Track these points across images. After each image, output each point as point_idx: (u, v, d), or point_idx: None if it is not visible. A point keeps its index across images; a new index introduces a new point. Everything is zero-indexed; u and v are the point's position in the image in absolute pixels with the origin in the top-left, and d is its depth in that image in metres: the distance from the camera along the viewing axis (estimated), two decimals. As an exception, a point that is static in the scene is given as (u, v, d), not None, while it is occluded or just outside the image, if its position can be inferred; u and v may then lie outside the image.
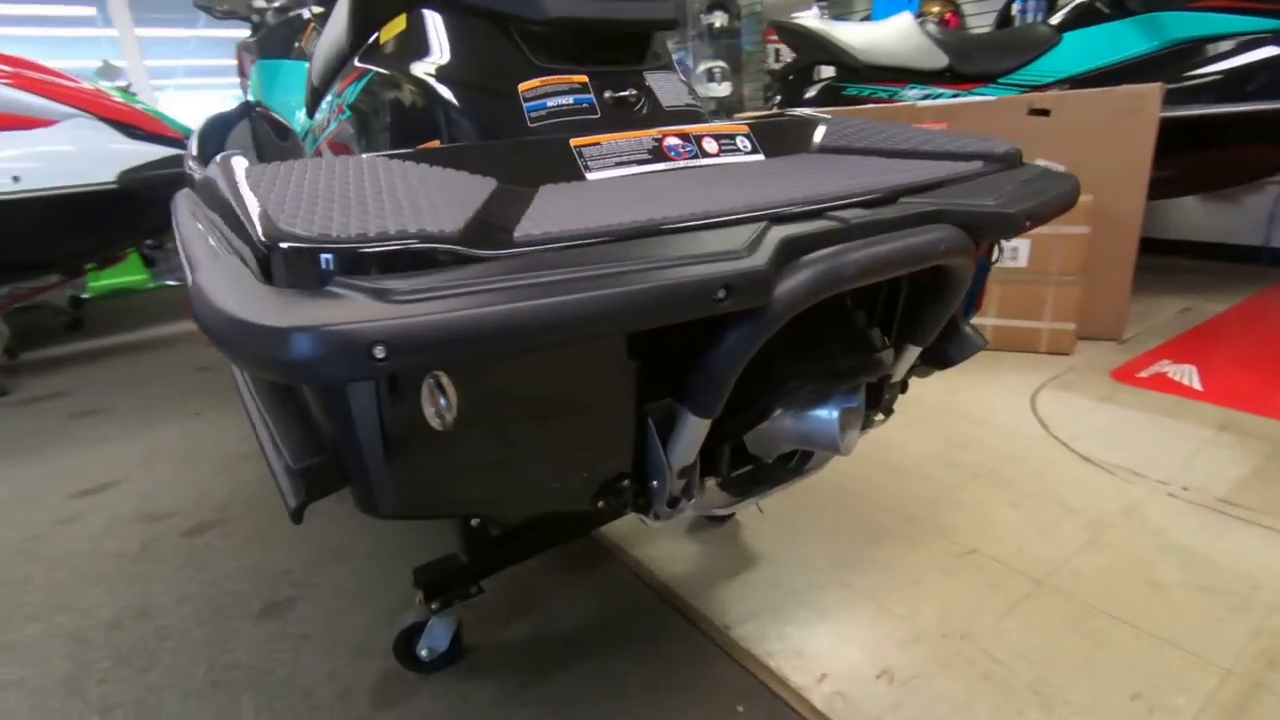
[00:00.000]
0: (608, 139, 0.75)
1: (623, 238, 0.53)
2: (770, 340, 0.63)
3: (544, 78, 0.80)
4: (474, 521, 0.98)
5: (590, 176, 0.72)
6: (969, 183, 0.75)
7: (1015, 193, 0.71)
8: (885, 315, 0.81)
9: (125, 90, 3.67)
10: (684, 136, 0.79)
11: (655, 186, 0.67)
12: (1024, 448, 1.61)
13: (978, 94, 2.48)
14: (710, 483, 0.75)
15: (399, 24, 0.88)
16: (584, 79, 0.82)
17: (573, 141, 0.73)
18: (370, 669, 1.09)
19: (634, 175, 0.73)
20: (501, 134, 0.78)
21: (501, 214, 0.55)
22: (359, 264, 0.45)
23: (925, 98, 2.57)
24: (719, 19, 4.14)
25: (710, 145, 0.81)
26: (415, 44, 0.86)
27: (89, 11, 6.66)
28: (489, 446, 0.58)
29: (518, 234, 0.51)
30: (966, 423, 1.76)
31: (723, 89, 4.14)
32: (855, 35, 2.69)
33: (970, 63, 2.54)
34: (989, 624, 1.08)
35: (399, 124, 0.86)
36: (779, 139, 0.89)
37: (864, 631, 1.09)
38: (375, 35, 0.92)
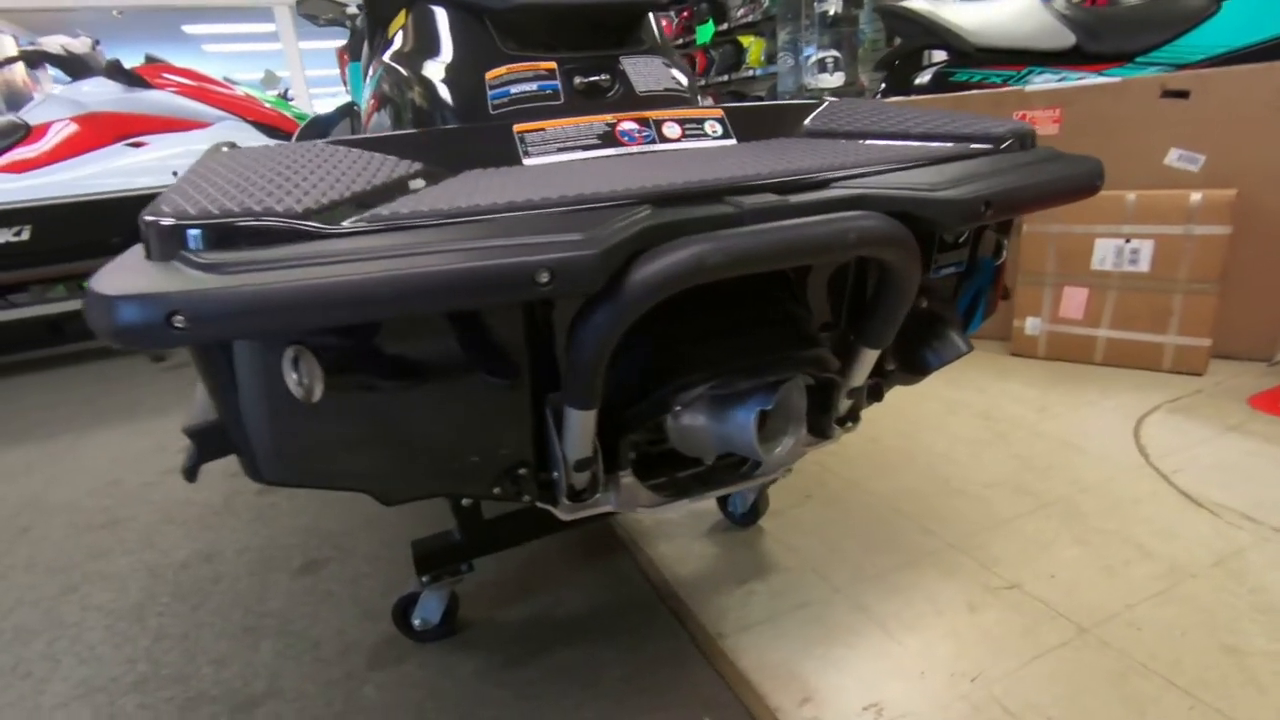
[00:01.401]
0: (554, 124, 0.74)
1: (481, 218, 0.52)
2: (675, 329, 0.60)
3: (510, 65, 0.80)
4: (465, 501, 1.01)
5: (527, 162, 0.71)
6: (925, 167, 0.66)
7: (977, 176, 0.62)
8: (854, 314, 0.74)
9: (282, 97, 4.12)
10: (641, 122, 0.76)
11: (579, 172, 0.65)
12: (1112, 477, 1.41)
13: (1108, 75, 2.20)
14: (630, 479, 0.72)
15: (400, 19, 0.92)
16: (552, 65, 0.81)
17: (517, 127, 0.73)
18: (375, 631, 1.15)
19: (572, 161, 0.72)
20: (468, 121, 0.80)
21: (381, 195, 0.56)
22: (213, 239, 0.48)
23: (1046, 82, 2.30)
24: (833, 5, 3.95)
25: (671, 130, 0.77)
26: (409, 38, 0.89)
27: (270, 28, 7.55)
28: (364, 422, 0.59)
29: (375, 214, 0.52)
30: (1050, 444, 1.57)
31: (835, 79, 3.95)
32: (967, 16, 2.46)
33: (1102, 41, 2.25)
34: (1008, 669, 0.96)
35: (397, 112, 0.90)
36: (757, 124, 0.83)
37: (865, 659, 1.00)
38: (385, 31, 0.97)
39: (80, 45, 2.90)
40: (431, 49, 0.86)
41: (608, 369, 0.57)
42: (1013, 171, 0.65)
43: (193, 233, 0.47)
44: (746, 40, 4.69)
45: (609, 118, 0.76)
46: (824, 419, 0.77)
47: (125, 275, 0.43)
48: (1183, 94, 1.83)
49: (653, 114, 0.78)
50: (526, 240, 0.46)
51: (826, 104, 0.90)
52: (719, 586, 1.19)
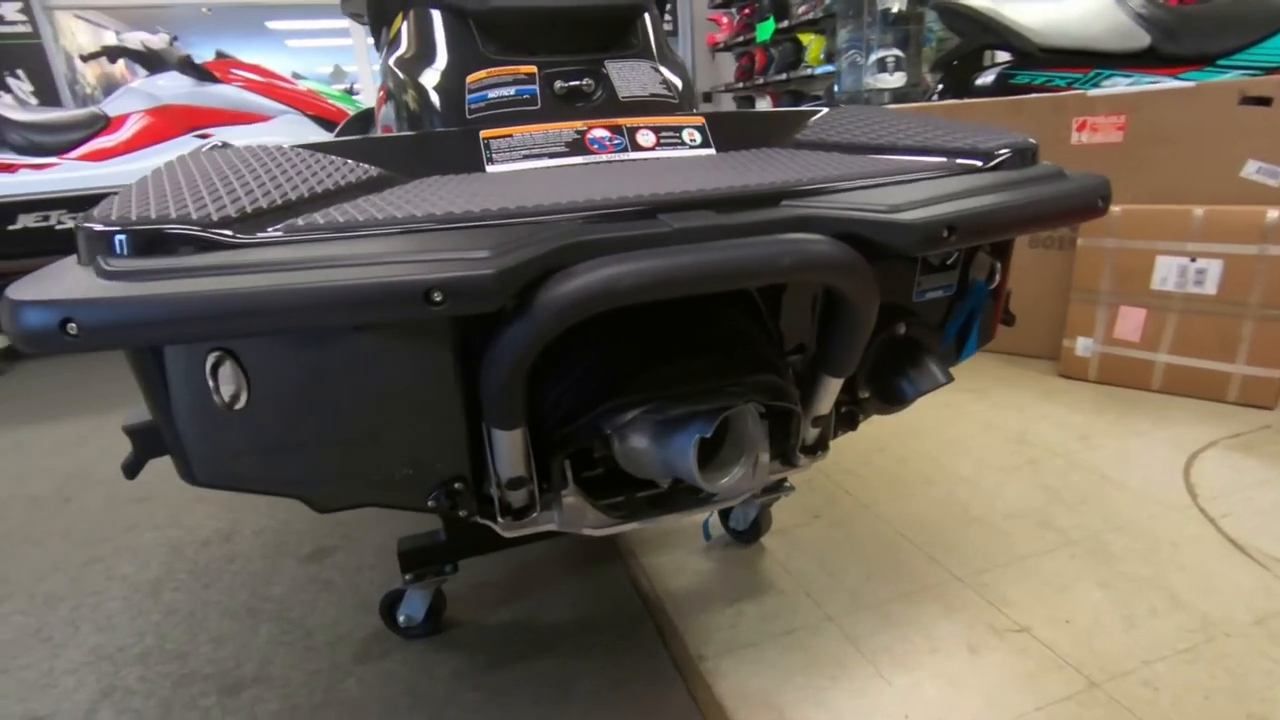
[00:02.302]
0: (521, 131, 0.72)
1: (397, 231, 0.51)
2: (618, 348, 0.58)
3: (490, 69, 0.79)
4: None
5: (491, 169, 0.70)
6: (893, 185, 0.61)
7: (944, 197, 0.57)
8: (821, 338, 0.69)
9: (348, 92, 4.26)
10: (614, 129, 0.74)
11: (532, 182, 0.63)
12: (1151, 517, 1.31)
13: (1184, 80, 2.03)
14: (573, 499, 0.69)
15: (399, 21, 0.93)
16: (532, 70, 0.79)
17: (484, 133, 0.72)
18: (366, 624, 1.17)
19: (533, 169, 0.70)
20: (450, 124, 0.79)
21: (316, 203, 0.56)
22: (132, 245, 0.48)
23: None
24: (897, 2, 3.80)
25: (645, 139, 0.74)
26: (405, 40, 0.89)
27: (344, 24, 7.83)
28: (290, 430, 0.59)
29: (292, 224, 0.51)
30: (1086, 476, 1.46)
31: (896, 79, 3.80)
32: (1032, 14, 2.32)
33: (1180, 41, 2.08)
34: (1000, 720, 0.90)
35: (396, 113, 0.91)
36: (742, 133, 0.79)
37: (846, 695, 0.96)
38: (389, 31, 0.98)
39: (158, 41, 3.07)
40: (423, 51, 0.86)
41: (547, 386, 0.56)
42: (991, 191, 0.59)
43: (117, 238, 0.48)
44: (806, 38, 4.57)
45: (579, 124, 0.74)
46: (788, 447, 0.73)
47: (43, 279, 0.44)
48: (1265, 101, 1.67)
49: (627, 121, 0.75)
50: (425, 257, 0.45)
51: (825, 113, 0.86)
52: (708, 604, 1.16)
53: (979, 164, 0.68)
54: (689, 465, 0.62)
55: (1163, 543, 1.23)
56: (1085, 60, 2.25)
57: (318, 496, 0.66)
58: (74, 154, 2.92)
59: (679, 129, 0.77)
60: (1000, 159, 0.69)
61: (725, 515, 1.32)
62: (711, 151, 0.77)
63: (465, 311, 0.44)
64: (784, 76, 4.87)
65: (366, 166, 0.66)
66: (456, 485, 0.67)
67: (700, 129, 0.78)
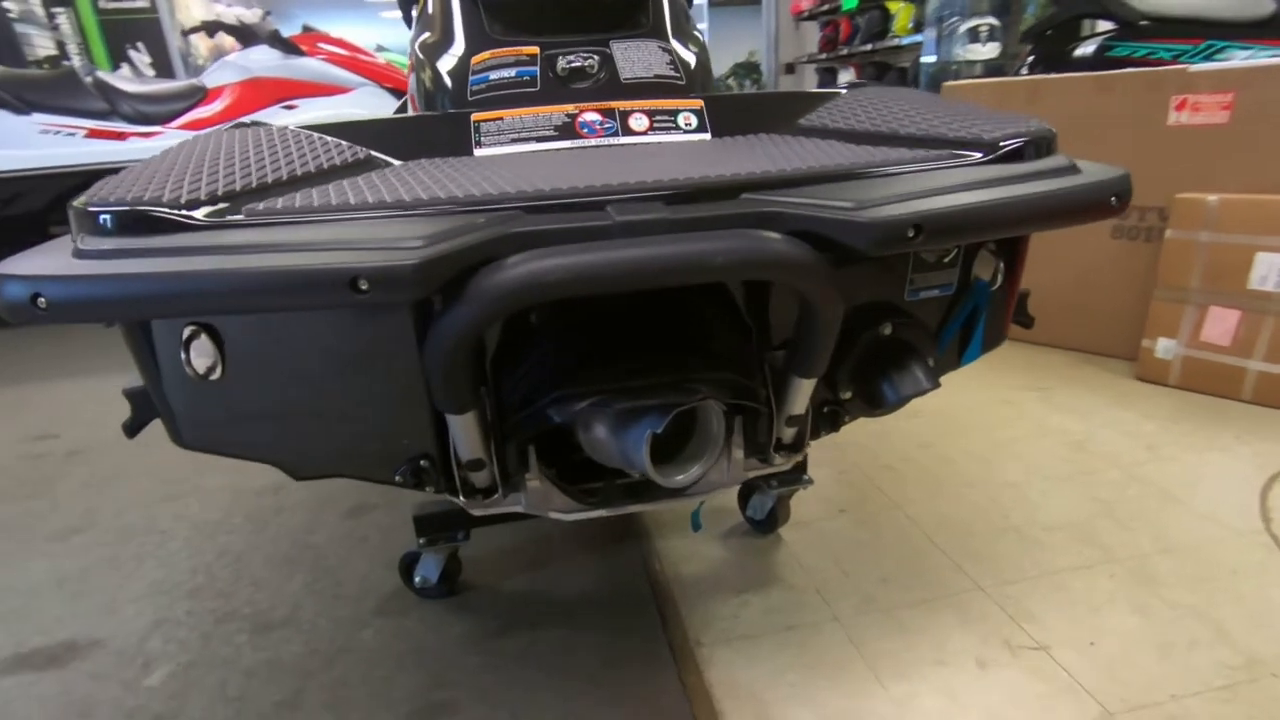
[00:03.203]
0: (512, 114, 0.72)
1: (348, 217, 0.52)
2: (578, 338, 0.58)
3: (494, 50, 0.79)
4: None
5: (478, 153, 0.70)
6: (865, 179, 0.57)
7: (916, 193, 0.53)
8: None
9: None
10: (605, 113, 0.73)
11: (511, 168, 0.63)
12: (1211, 541, 1.20)
13: (1313, 53, 1.80)
14: (538, 483, 0.70)
15: (424, 2, 0.94)
16: (534, 51, 0.79)
17: (475, 116, 0.72)
18: (390, 580, 1.24)
19: (522, 153, 0.70)
20: (457, 106, 0.80)
21: (287, 186, 0.58)
22: (113, 224, 0.52)
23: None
24: (994, -32, 3.52)
25: (638, 122, 0.73)
26: (425, 20, 0.91)
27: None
28: (263, 402, 0.62)
29: (252, 207, 0.53)
30: (1146, 490, 1.36)
31: (988, 50, 3.54)
32: (1138, -22, 2.11)
33: (1314, 9, 1.84)
34: (997, 741, 0.86)
35: (416, 92, 0.92)
36: (742, 117, 0.76)
37: (838, 698, 0.94)
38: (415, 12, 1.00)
39: (252, 16, 3.24)
40: (436, 32, 0.87)
41: (510, 371, 0.56)
42: (978, 187, 0.55)
43: (98, 217, 0.52)
44: (894, 5, 4.33)
45: (570, 108, 0.73)
46: (761, 445, 0.71)
47: (35, 254, 0.48)
48: (1406, 78, 1.46)
49: (620, 104, 0.74)
50: (356, 245, 0.46)
51: (839, 95, 0.81)
52: (715, 592, 1.15)
53: (979, 156, 0.63)
54: (642, 459, 0.61)
55: (1219, 569, 1.13)
56: (1197, 30, 2.03)
57: (292, 465, 0.70)
58: (176, 124, 3.14)
59: (674, 113, 0.75)
60: (1004, 150, 0.63)
61: (743, 504, 1.31)
62: (706, 137, 0.75)
63: (391, 301, 0.45)
64: (869, 47, 4.64)
65: (356, 150, 0.68)
66: (422, 462, 0.69)
67: (697, 113, 0.75)
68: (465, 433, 0.62)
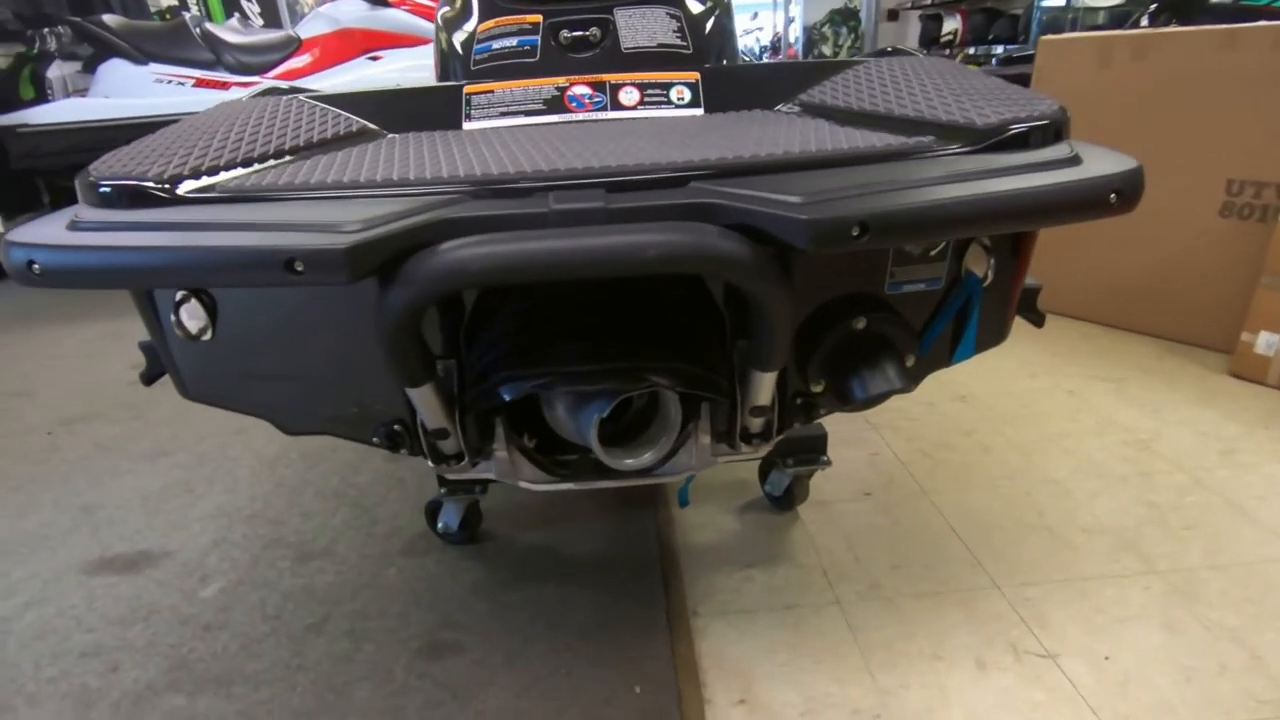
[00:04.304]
0: (502, 87, 0.72)
1: (304, 196, 0.54)
2: (537, 319, 0.59)
3: (499, 18, 0.78)
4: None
5: (466, 126, 0.71)
6: (824, 170, 0.54)
7: (869, 188, 0.49)
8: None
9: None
10: (596, 86, 0.71)
11: (489, 144, 0.63)
12: (1270, 560, 1.10)
13: None
14: (504, 453, 0.72)
15: None
16: (536, 19, 0.78)
17: (467, 89, 0.72)
18: (419, 524, 1.32)
19: (507, 127, 0.70)
20: (460, 76, 0.81)
21: (270, 160, 0.60)
22: (111, 196, 0.56)
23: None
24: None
25: (629, 96, 0.71)
26: None
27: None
28: (248, 362, 0.66)
29: (223, 183, 0.56)
30: (1208, 499, 1.25)
31: (1113, -4, 3.17)
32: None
33: None
34: (978, 744, 0.84)
35: (435, 61, 0.94)
36: (738, 91, 0.73)
37: (823, 681, 0.94)
38: None
39: (343, -33, 3.32)
40: (457, 2, 0.87)
41: (473, 344, 0.58)
42: (939, 183, 0.50)
43: (101, 188, 0.57)
44: (1010, -56, 3.93)
45: (561, 81, 0.72)
46: (727, 434, 0.70)
47: (45, 222, 0.54)
48: None
49: (612, 77, 0.72)
50: (296, 227, 0.48)
51: (852, 67, 0.76)
52: (721, 564, 1.17)
53: (964, 144, 0.58)
54: (590, 440, 0.62)
55: (1273, 593, 1.03)
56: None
57: (282, 422, 0.75)
58: (272, 74, 3.30)
59: (668, 86, 0.72)
60: (998, 138, 0.58)
61: (763, 479, 1.30)
62: (697, 112, 0.72)
63: (326, 283, 0.48)
64: (979, -9, 4.26)
65: (352, 122, 0.70)
66: (396, 427, 0.73)
67: (691, 86, 0.72)
68: (424, 403, 0.65)
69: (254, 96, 0.79)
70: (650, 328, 0.64)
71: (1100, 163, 0.55)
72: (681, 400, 0.66)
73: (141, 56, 3.29)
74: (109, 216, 0.53)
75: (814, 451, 1.14)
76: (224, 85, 3.33)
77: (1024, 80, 2.13)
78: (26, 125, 3.22)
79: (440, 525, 1.23)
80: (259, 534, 1.32)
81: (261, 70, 3.33)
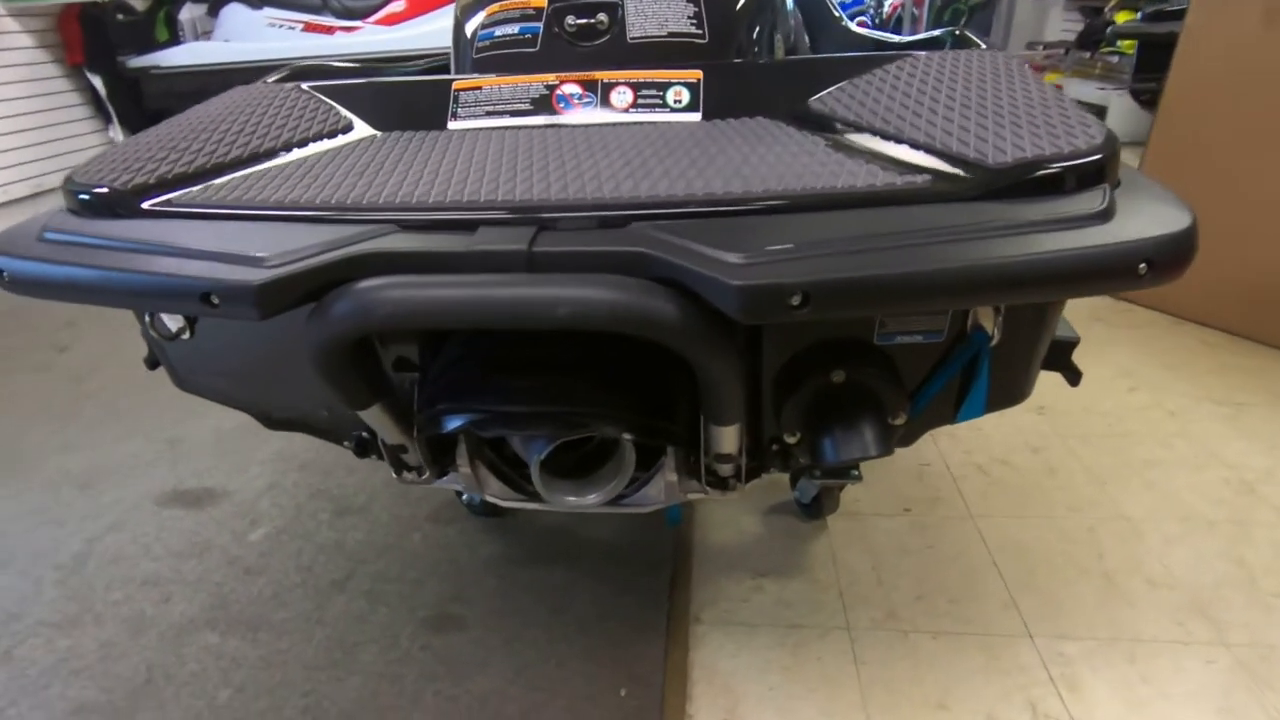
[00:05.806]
0: (490, 83, 0.67)
1: (252, 214, 0.53)
2: (488, 350, 0.57)
3: (503, 3, 0.73)
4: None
5: (451, 125, 0.67)
6: (780, 217, 0.46)
7: (826, 249, 0.41)
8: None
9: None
10: (586, 85, 0.65)
11: (460, 156, 0.59)
12: (1378, 648, 0.94)
13: None
14: (468, 470, 0.70)
15: None
16: (541, 4, 0.71)
17: (455, 85, 0.68)
18: (447, 492, 1.36)
19: (492, 129, 0.65)
20: (467, 64, 0.76)
21: (248, 164, 0.59)
22: (85, 204, 0.57)
23: None
24: None
25: (621, 98, 0.64)
26: None
27: None
28: (224, 361, 0.67)
29: (184, 194, 0.56)
30: (1268, 530, 1.08)
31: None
32: None
33: None
34: (965, 812, 0.78)
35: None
36: (743, 93, 0.64)
37: (812, 713, 0.90)
38: None
39: (442, -93, 3.29)
40: None
41: (426, 367, 0.57)
42: (920, 245, 0.42)
43: (80, 197, 0.58)
44: None
45: (551, 78, 0.66)
46: (693, 476, 0.65)
47: (28, 224, 0.56)
48: None
49: (605, 75, 0.65)
50: (217, 257, 0.47)
51: (879, 67, 0.65)
52: (733, 569, 1.13)
53: (968, 188, 0.48)
54: (535, 478, 0.59)
55: (1371, 689, 0.88)
56: None
57: (262, 418, 0.77)
58: (372, 19, 3.37)
59: (665, 87, 0.65)
60: (1010, 182, 0.47)
61: (792, 482, 1.24)
62: (694, 118, 0.65)
63: (240, 317, 0.47)
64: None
65: (339, 118, 0.68)
66: (365, 434, 0.73)
67: (691, 87, 0.64)
68: (376, 422, 0.64)
69: (263, 83, 0.79)
70: (604, 366, 0.60)
71: (1138, 219, 0.44)
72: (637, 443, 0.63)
73: (257, 0, 3.44)
74: (74, 227, 0.55)
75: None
76: (329, 30, 3.43)
77: (1170, 43, 1.83)
78: (158, 67, 3.47)
79: (465, 497, 1.26)
80: (308, 483, 1.41)
81: (362, 15, 3.40)
